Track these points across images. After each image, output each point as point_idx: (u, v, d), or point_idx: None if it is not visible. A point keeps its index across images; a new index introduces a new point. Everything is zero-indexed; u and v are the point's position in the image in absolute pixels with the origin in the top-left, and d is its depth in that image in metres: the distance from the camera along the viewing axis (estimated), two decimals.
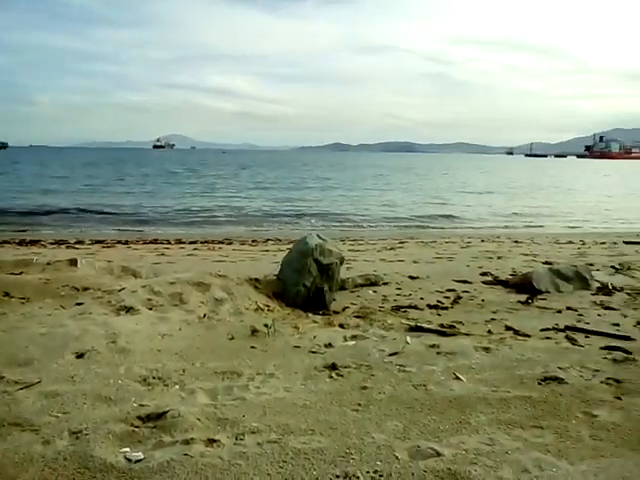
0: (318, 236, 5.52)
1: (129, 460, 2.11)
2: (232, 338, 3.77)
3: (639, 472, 2.10)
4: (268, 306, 4.69)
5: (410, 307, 5.44)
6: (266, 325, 3.94)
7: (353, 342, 3.70)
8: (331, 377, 2.97)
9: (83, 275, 5.30)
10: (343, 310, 5.22)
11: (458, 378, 2.94)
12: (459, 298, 5.93)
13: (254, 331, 3.88)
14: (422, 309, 5.41)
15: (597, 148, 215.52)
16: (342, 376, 2.99)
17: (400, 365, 3.17)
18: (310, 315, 4.78)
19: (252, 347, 3.59)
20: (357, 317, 4.86)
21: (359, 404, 2.58)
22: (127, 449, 2.20)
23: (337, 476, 1.93)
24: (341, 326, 4.36)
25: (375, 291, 6.13)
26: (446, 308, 5.49)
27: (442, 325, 4.67)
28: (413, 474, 1.96)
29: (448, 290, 6.27)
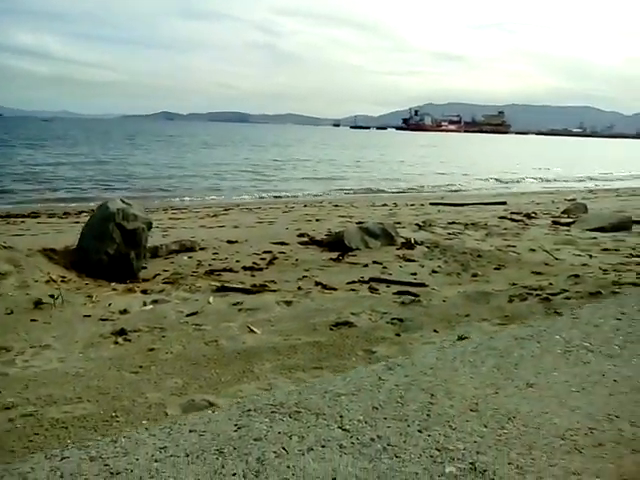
0: (122, 200, 5.15)
1: None
2: (10, 312, 3.36)
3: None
4: (63, 277, 4.27)
5: (225, 270, 5.37)
6: (52, 296, 3.58)
7: (151, 306, 3.53)
8: (117, 343, 2.79)
9: None
10: (154, 277, 4.97)
11: (252, 331, 2.95)
12: (275, 259, 5.99)
13: (38, 303, 3.50)
14: (237, 271, 5.37)
15: (413, 121, 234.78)
16: (130, 340, 2.82)
17: (196, 324, 3.09)
18: (113, 284, 4.46)
19: (32, 320, 3.24)
20: (165, 283, 4.65)
21: (140, 366, 2.45)
22: None
23: (98, 440, 1.79)
24: (144, 292, 4.14)
25: (190, 257, 5.94)
26: (261, 269, 5.51)
27: (254, 285, 4.68)
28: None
29: (265, 252, 6.30)
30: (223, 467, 1.70)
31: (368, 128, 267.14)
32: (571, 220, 9.36)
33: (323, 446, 1.83)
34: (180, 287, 4.31)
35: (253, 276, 5.17)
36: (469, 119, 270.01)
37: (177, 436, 1.84)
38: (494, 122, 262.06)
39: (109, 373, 2.40)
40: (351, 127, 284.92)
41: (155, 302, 3.69)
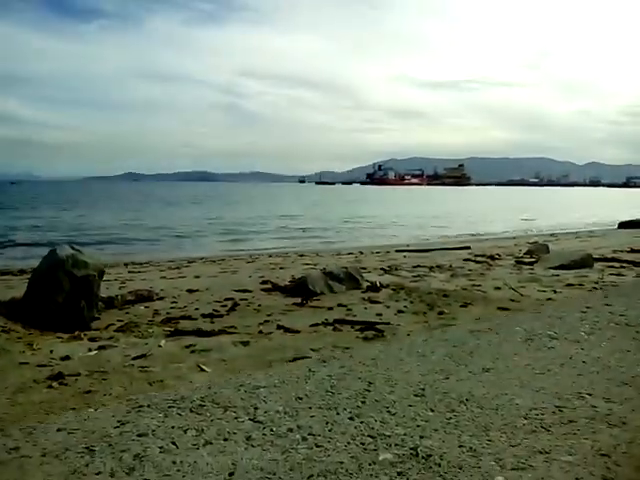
0: (71, 247, 4.91)
1: None
2: None
3: None
4: (4, 327, 3.98)
5: (183, 318, 5.14)
6: None
7: (96, 352, 3.28)
8: (51, 387, 2.54)
9: None
10: (106, 328, 4.69)
11: (203, 370, 2.75)
12: (236, 305, 5.80)
13: None
14: (196, 319, 5.15)
15: (377, 176, 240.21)
16: (66, 384, 2.58)
17: (142, 367, 2.87)
18: (59, 333, 4.18)
19: None
20: (118, 331, 4.39)
21: (73, 408, 2.21)
22: None
23: None
24: (92, 340, 3.87)
25: (147, 306, 5.70)
26: (221, 316, 5.31)
27: (212, 330, 4.46)
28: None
29: (226, 299, 6.11)
30: (86, 466, 1.50)
31: (333, 184, 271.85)
32: (534, 260, 9.45)
33: (225, 439, 1.65)
34: (132, 334, 4.06)
35: (212, 322, 4.96)
36: (431, 172, 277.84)
37: (39, 435, 1.65)
38: (455, 175, 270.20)
39: (35, 416, 2.15)
40: (316, 183, 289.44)
41: (102, 348, 3.44)
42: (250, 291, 6.74)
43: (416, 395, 2.12)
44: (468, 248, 13.33)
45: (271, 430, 1.74)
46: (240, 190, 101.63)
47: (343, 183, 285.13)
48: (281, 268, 9.36)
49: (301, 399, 2.03)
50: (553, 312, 3.53)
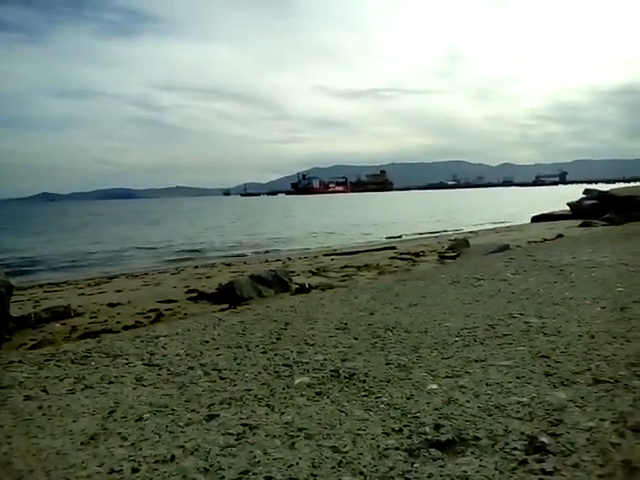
0: None
1: None
2: None
3: None
4: None
5: (104, 332, 4.87)
6: None
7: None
8: None
9: None
10: (18, 348, 4.37)
11: None
12: (161, 316, 5.58)
13: None
14: (118, 331, 4.89)
15: (302, 185, 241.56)
16: None
17: None
18: None
19: None
20: (31, 349, 4.10)
21: None
22: None
23: None
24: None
25: (64, 323, 5.37)
26: (144, 326, 5.08)
27: None
28: None
29: (150, 310, 5.87)
30: None
31: (259, 195, 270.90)
32: (456, 254, 9.75)
33: (111, 382, 1.54)
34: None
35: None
36: (354, 179, 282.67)
37: None
38: (378, 181, 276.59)
39: None
40: (241, 194, 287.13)
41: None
42: (175, 301, 6.54)
43: (338, 329, 2.08)
44: (394, 248, 13.62)
45: (168, 370, 1.62)
46: (163, 206, 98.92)
47: (268, 194, 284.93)
48: (207, 277, 9.15)
49: (207, 342, 1.94)
50: (478, 261, 3.69)
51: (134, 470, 1.04)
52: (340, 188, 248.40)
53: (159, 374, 1.61)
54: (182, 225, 34.55)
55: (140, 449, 1.11)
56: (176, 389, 1.48)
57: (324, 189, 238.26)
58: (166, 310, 5.82)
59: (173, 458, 1.08)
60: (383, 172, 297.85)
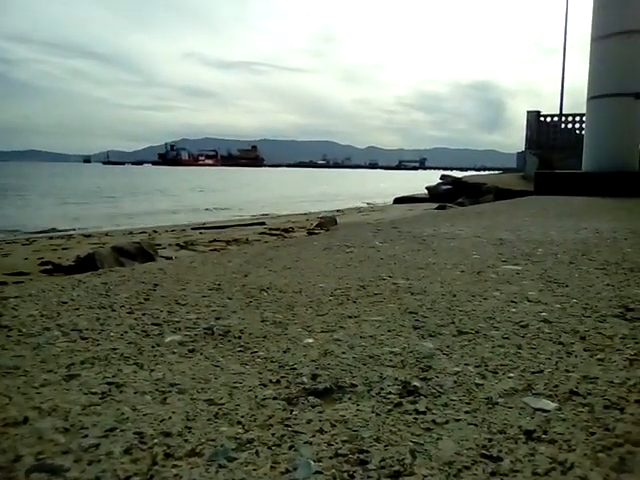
0: None
1: None
2: None
3: None
4: None
5: None
6: None
7: None
8: None
9: None
10: None
11: None
12: None
13: None
14: None
15: (170, 156, 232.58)
16: None
17: None
18: None
19: None
20: None
21: None
22: None
23: None
24: None
25: None
26: None
27: None
28: None
29: None
30: None
31: (123, 164, 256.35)
32: (324, 230, 10.02)
33: None
34: None
35: None
36: (225, 153, 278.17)
37: None
38: (249, 156, 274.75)
39: None
40: (104, 163, 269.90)
41: None
42: (27, 274, 5.99)
43: (211, 289, 2.04)
44: (263, 224, 13.66)
45: (19, 332, 1.48)
46: (14, 171, 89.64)
47: (133, 163, 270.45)
48: (64, 249, 8.49)
49: (65, 303, 1.80)
50: (348, 232, 3.85)
51: None
52: (210, 161, 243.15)
53: (9, 335, 1.44)
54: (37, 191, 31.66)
55: None
56: (29, 350, 1.33)
57: (193, 161, 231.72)
58: (15, 283, 5.29)
59: (26, 420, 0.96)
60: (255, 147, 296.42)
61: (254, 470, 0.83)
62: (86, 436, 0.91)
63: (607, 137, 11.45)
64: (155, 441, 0.91)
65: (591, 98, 11.75)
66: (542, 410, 1.04)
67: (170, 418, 0.98)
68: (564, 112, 19.65)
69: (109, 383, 1.13)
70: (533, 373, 1.23)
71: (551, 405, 1.06)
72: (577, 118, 18.80)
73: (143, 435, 0.92)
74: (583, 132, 13.38)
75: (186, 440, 0.91)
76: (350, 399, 1.07)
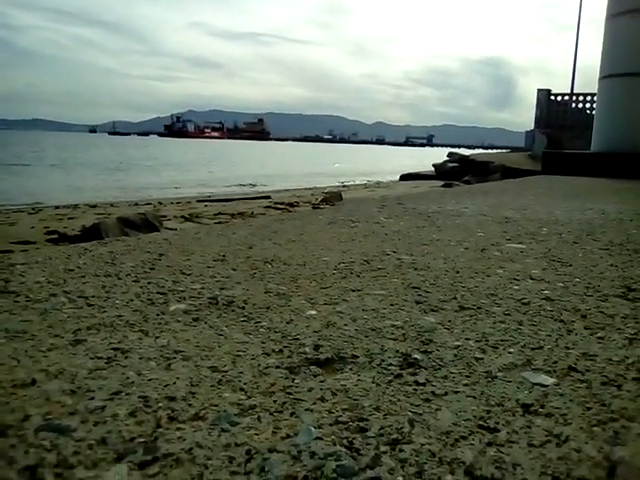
0: None
1: None
2: None
3: None
4: None
5: None
6: None
7: None
8: None
9: None
10: None
11: None
12: None
13: None
14: None
15: (176, 128, 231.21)
16: None
17: None
18: None
19: None
20: None
21: None
22: None
23: None
24: None
25: None
26: None
27: None
28: None
29: (2, 252, 5.33)
30: None
31: (129, 134, 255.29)
32: (329, 205, 10.00)
33: None
34: None
35: None
36: (231, 126, 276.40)
37: None
38: (255, 129, 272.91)
39: None
40: (109, 133, 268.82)
41: None
42: (33, 242, 6.02)
43: (215, 260, 2.07)
44: (268, 197, 13.63)
45: (27, 297, 1.51)
46: (21, 139, 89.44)
47: (139, 134, 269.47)
48: (70, 218, 8.53)
49: (72, 270, 1.83)
50: (353, 207, 3.87)
51: None
52: (216, 134, 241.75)
53: (16, 301, 1.46)
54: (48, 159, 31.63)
55: None
56: (36, 315, 1.35)
57: (199, 133, 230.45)
58: (22, 252, 5.33)
59: (34, 382, 0.99)
60: (261, 120, 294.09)
61: (256, 435, 0.85)
62: (92, 398, 0.93)
63: (618, 118, 11.31)
64: (159, 405, 0.93)
65: (603, 77, 11.58)
66: (540, 385, 1.06)
67: (174, 383, 1.01)
68: (575, 91, 19.41)
69: (115, 349, 1.16)
70: (533, 349, 1.25)
71: (549, 380, 1.08)
72: (588, 98, 18.57)
73: (148, 399, 0.94)
74: (594, 112, 13.22)
75: (190, 404, 0.93)
76: (351, 369, 1.09)
